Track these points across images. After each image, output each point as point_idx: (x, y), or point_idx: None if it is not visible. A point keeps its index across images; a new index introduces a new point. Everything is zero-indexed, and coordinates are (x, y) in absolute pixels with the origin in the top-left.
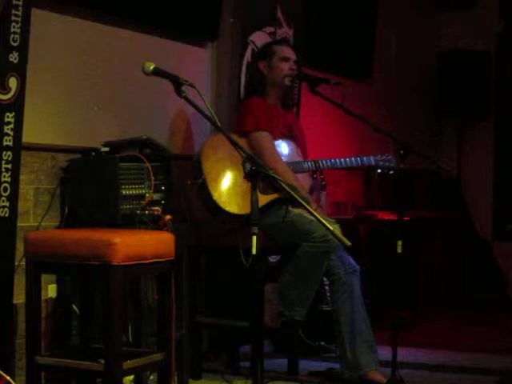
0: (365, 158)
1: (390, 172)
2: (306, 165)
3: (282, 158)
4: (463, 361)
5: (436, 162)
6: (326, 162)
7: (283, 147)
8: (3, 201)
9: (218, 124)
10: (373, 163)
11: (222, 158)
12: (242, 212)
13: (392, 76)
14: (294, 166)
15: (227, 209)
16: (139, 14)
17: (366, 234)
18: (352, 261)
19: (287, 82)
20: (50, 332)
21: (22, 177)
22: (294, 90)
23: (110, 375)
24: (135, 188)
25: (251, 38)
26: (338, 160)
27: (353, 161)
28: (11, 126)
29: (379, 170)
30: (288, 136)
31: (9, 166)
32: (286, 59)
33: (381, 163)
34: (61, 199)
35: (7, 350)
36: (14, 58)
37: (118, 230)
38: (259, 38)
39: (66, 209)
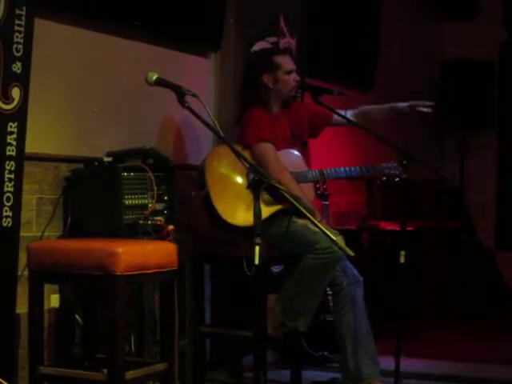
0: (370, 167)
1: (396, 180)
2: (310, 174)
3: (287, 167)
4: (467, 371)
5: (439, 172)
6: (331, 171)
7: (288, 156)
8: (6, 211)
9: (221, 134)
10: (378, 171)
11: (226, 170)
12: (246, 224)
13: (395, 85)
14: (299, 176)
15: (231, 221)
16: (142, 24)
17: (368, 243)
18: (355, 272)
19: (293, 92)
20: (53, 342)
21: (24, 187)
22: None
23: None
24: (138, 198)
25: (254, 47)
26: (342, 169)
27: (358, 169)
28: (14, 135)
29: (384, 178)
30: (293, 140)
31: (12, 176)
32: (290, 72)
33: (386, 171)
34: (64, 209)
35: (10, 359)
36: (17, 68)
37: (120, 239)
38: None
39: (69, 219)
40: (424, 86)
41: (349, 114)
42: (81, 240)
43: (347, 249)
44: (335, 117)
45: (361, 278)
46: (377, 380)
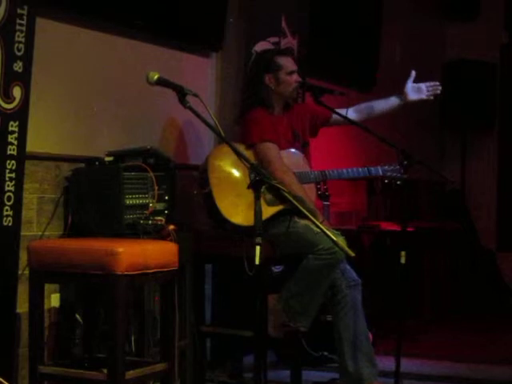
0: (372, 169)
1: (398, 182)
2: (313, 175)
3: (290, 167)
4: (467, 371)
5: (440, 173)
6: (333, 172)
7: (290, 156)
8: (7, 210)
9: (222, 134)
10: (380, 173)
11: (228, 169)
12: (248, 224)
13: (396, 86)
14: (301, 176)
15: (233, 220)
16: (143, 24)
17: (369, 244)
18: (354, 274)
19: (294, 94)
20: (53, 341)
21: (25, 186)
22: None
23: None
24: (139, 198)
25: (255, 47)
26: (345, 170)
27: (360, 171)
28: (15, 135)
29: (386, 181)
30: (294, 141)
31: (13, 175)
32: (292, 72)
33: (388, 174)
34: (64, 208)
35: (10, 359)
36: (18, 67)
37: (121, 239)
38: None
39: (70, 218)
40: None
41: (351, 110)
42: (81, 239)
43: (348, 249)
44: (334, 116)
45: (359, 281)
46: (376, 382)
